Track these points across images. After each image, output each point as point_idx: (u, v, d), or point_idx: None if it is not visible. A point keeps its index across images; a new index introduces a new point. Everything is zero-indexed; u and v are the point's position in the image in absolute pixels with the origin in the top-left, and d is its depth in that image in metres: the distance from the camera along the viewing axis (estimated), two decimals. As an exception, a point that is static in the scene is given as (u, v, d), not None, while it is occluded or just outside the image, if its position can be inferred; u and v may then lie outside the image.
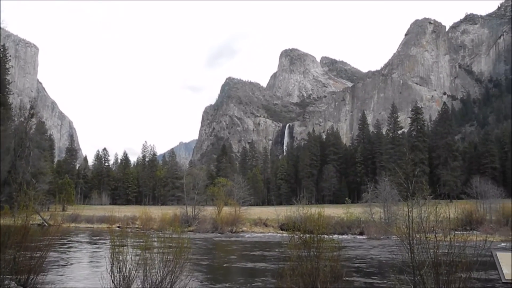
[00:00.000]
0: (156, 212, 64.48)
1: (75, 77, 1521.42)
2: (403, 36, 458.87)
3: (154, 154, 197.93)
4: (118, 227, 52.82)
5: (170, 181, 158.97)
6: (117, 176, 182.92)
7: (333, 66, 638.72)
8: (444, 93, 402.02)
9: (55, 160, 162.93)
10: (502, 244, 36.64)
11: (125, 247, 14.19)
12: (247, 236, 50.94)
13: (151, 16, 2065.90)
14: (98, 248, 37.41)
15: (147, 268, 13.28)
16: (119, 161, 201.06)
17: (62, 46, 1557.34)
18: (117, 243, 14.11)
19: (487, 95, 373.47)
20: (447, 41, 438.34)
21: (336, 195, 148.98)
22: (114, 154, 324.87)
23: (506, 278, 9.02)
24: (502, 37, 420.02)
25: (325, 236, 14.49)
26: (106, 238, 42.44)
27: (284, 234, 42.06)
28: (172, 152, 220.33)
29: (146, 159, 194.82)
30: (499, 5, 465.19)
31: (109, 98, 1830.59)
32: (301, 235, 14.54)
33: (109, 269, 13.24)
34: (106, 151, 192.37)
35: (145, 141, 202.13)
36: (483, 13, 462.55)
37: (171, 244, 14.52)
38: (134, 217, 64.39)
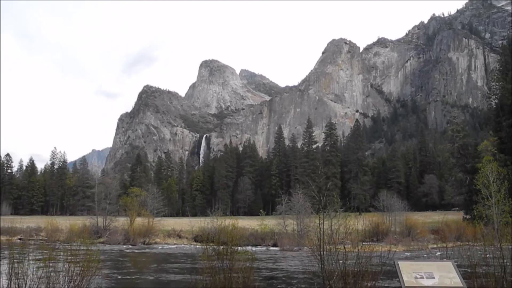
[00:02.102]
0: (64, 222, 61.31)
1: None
2: (321, 54, 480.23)
3: (64, 161, 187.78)
4: (20, 239, 49.34)
5: (81, 190, 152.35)
6: (21, 184, 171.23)
7: (252, 79, 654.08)
8: (357, 111, 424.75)
9: None
10: (406, 253, 38.99)
11: (26, 260, 13.19)
12: (160, 247, 49.80)
13: (65, 16, 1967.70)
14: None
15: (50, 283, 12.45)
16: (24, 168, 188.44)
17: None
18: (17, 257, 13.09)
19: (395, 114, 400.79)
20: (361, 61, 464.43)
21: (251, 207, 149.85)
22: (19, 160, 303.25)
23: (406, 285, 9.60)
24: (409, 61, 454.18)
25: (239, 247, 14.56)
26: (4, 252, 39.30)
27: (198, 246, 41.66)
28: (83, 160, 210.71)
29: (55, 167, 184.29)
30: (407, 32, 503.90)
31: (15, 100, 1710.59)
32: (215, 246, 14.49)
33: (6, 285, 12.25)
34: (9, 157, 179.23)
35: (55, 147, 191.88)
36: (393, 38, 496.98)
37: (78, 257, 13.78)
38: (38, 228, 60.61)
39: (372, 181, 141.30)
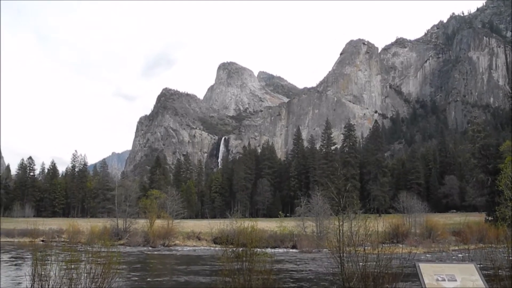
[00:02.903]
0: (85, 224, 61.94)
1: None
2: (339, 55, 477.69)
3: (85, 164, 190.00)
4: (42, 241, 50.15)
5: (101, 193, 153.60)
6: (43, 186, 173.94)
7: (270, 81, 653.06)
8: (376, 112, 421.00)
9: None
10: (427, 255, 38.49)
11: (49, 262, 13.42)
12: (179, 250, 50.10)
13: (84, 18, 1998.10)
14: (18, 264, 35.07)
15: (72, 284, 12.65)
16: (46, 170, 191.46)
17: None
18: (40, 258, 13.31)
19: (414, 115, 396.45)
20: (379, 62, 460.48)
21: (270, 209, 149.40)
22: (41, 163, 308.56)
23: (427, 287, 9.48)
24: (428, 61, 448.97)
25: (258, 249, 14.56)
26: (28, 253, 40.02)
27: (217, 248, 41.78)
28: (103, 163, 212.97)
29: (76, 169, 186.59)
30: (426, 32, 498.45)
31: (36, 103, 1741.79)
32: (234, 248, 14.51)
33: (30, 286, 12.46)
34: (32, 160, 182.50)
35: (75, 151, 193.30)
36: (412, 38, 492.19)
37: (99, 258, 13.96)
38: (60, 230, 61.49)
39: (391, 183, 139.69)
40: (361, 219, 13.70)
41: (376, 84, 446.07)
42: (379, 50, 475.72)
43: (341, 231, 12.53)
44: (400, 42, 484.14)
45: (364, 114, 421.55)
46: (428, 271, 9.80)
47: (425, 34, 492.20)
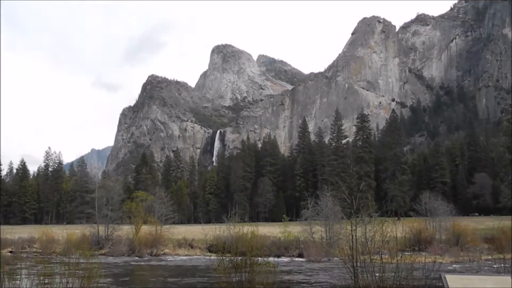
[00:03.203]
0: (60, 232, 62.20)
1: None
2: (350, 35, 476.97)
3: (60, 163, 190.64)
4: (11, 252, 50.22)
5: (79, 195, 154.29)
6: (11, 189, 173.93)
7: (272, 66, 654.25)
8: (393, 100, 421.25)
9: None
10: (454, 265, 38.48)
11: (19, 276, 13.43)
12: (169, 259, 50.28)
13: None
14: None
15: (46, 300, 12.61)
16: (14, 171, 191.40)
17: None
18: (9, 272, 13.26)
19: (438, 103, 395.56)
20: (397, 42, 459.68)
21: (272, 212, 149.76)
22: (8, 162, 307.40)
23: (455, 303, 9.44)
24: (454, 40, 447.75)
25: (260, 258, 14.57)
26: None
27: (212, 257, 41.88)
28: (82, 161, 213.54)
29: (50, 169, 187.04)
30: (452, 6, 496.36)
31: (3, 94, 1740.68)
32: (232, 257, 14.54)
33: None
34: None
35: (49, 148, 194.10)
36: (435, 14, 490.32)
37: (78, 271, 13.96)
38: (31, 239, 61.53)
39: (412, 181, 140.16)
40: (377, 223, 13.70)
41: (394, 68, 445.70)
42: (397, 29, 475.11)
43: (354, 237, 12.51)
44: (421, 19, 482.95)
45: (380, 102, 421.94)
46: (456, 283, 9.77)
47: (451, 9, 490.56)
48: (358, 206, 13.29)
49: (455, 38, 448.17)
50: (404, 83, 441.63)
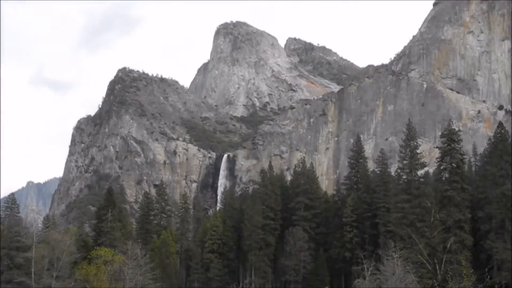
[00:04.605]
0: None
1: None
2: (431, 7, 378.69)
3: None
4: None
5: (6, 255, 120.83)
6: None
7: (308, 56, 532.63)
8: (501, 107, 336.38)
9: None
10: None
11: None
12: None
13: None
14: None
15: None
16: None
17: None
18: None
19: None
20: (508, 16, 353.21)
21: (309, 280, 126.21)
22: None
23: None
24: None
25: None
26: None
27: None
28: (12, 200, 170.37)
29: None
30: None
31: None
32: None
33: None
34: None
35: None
36: None
37: None
38: None
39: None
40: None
41: (502, 57, 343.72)
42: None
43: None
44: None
45: (479, 111, 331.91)
46: None
47: None
48: (445, 275, 6.62)
49: None
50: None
